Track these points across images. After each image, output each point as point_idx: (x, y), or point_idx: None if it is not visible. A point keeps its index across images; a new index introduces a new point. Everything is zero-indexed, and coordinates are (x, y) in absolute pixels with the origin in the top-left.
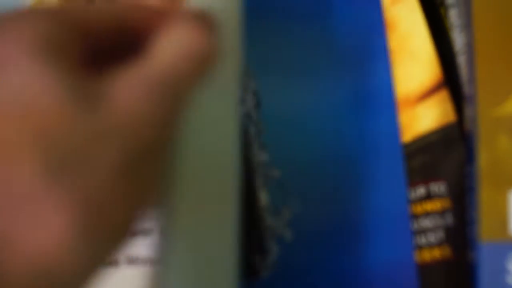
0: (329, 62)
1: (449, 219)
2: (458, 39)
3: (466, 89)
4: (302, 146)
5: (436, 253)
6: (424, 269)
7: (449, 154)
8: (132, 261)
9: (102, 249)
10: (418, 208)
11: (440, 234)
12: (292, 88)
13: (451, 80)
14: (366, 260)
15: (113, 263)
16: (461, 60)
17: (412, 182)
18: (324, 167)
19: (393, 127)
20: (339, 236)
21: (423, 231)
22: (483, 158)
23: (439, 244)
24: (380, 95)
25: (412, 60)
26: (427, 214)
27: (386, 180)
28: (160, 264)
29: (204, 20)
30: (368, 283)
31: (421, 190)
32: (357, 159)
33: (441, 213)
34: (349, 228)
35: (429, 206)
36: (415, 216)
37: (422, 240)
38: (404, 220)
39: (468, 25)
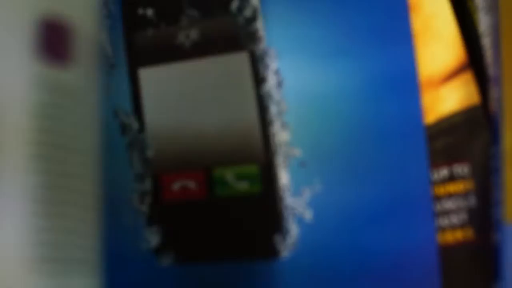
0: (353, 43)
1: (472, 201)
2: (483, 21)
3: (491, 71)
4: (324, 126)
5: (458, 235)
6: (447, 251)
7: (473, 135)
8: None
9: None
10: (441, 190)
11: (463, 216)
12: (316, 67)
13: (475, 61)
14: (387, 242)
15: None
16: (486, 42)
17: (435, 163)
18: (346, 148)
19: (416, 109)
20: (360, 217)
21: (446, 213)
22: (508, 139)
23: (462, 225)
24: (403, 76)
25: (436, 41)
26: (450, 195)
27: (409, 161)
28: None
29: None
30: (390, 264)
31: (444, 172)
32: (380, 140)
33: (464, 194)
34: (370, 209)
35: (452, 187)
36: (438, 198)
37: (445, 221)
38: (426, 201)
39: (493, 7)
